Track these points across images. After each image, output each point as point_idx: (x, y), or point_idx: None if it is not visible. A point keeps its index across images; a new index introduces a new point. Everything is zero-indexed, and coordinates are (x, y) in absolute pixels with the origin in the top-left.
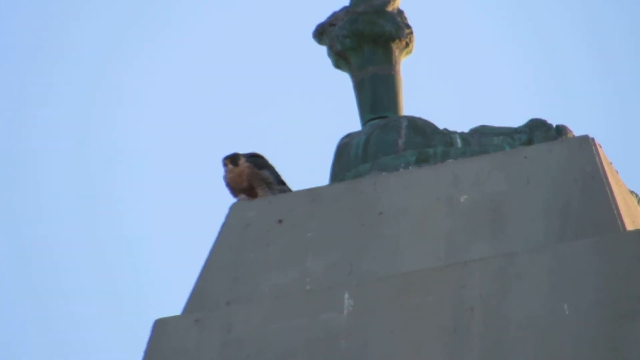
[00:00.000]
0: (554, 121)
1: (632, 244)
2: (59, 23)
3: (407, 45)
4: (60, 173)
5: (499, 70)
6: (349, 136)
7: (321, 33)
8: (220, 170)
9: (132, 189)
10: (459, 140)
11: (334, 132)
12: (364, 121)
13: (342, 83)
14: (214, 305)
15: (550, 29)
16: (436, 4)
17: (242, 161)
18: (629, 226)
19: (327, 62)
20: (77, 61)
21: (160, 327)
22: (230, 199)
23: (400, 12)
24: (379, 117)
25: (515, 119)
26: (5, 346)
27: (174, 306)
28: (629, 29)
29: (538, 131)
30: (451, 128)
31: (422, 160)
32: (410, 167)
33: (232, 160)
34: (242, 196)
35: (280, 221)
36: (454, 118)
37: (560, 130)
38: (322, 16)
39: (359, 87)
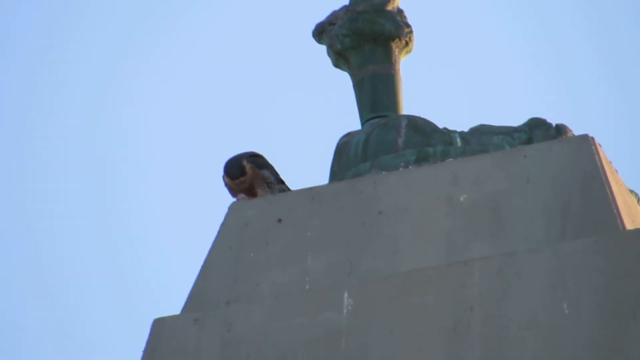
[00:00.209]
0: (553, 120)
1: (632, 243)
2: (66, 25)
3: (406, 44)
4: (66, 172)
5: (498, 70)
6: (348, 135)
7: (321, 32)
8: (219, 170)
9: (131, 189)
10: (458, 140)
11: (334, 131)
12: (364, 120)
13: (342, 82)
14: (214, 305)
15: (550, 28)
16: (436, 3)
17: (247, 168)
18: (629, 225)
19: (327, 61)
20: (86, 62)
21: (159, 326)
22: (230, 198)
23: (400, 11)
24: (379, 116)
25: (515, 118)
26: (11, 342)
27: (173, 305)
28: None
29: (538, 130)
30: (451, 127)
31: (422, 159)
32: (410, 166)
33: (241, 171)
34: (242, 195)
35: (279, 220)
36: (454, 117)
37: (560, 130)
38: (321, 15)
39: (359, 86)
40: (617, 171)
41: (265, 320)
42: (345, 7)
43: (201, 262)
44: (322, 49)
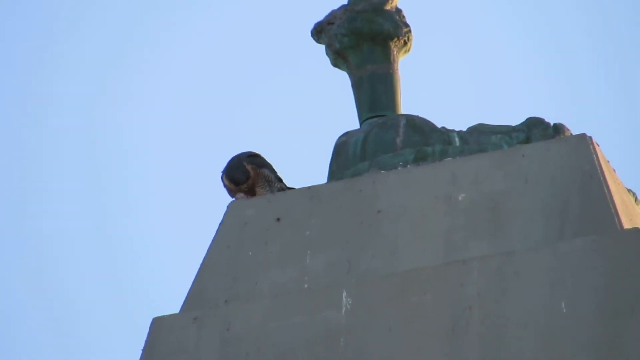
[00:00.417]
0: (551, 119)
1: (630, 243)
2: (63, 23)
3: (405, 43)
4: (63, 172)
5: (496, 69)
6: (347, 134)
7: (319, 31)
8: (218, 169)
9: (130, 188)
10: (457, 139)
11: (332, 130)
12: (362, 119)
13: (341, 81)
14: (213, 304)
15: (549, 27)
16: (434, 3)
17: (249, 170)
18: (627, 224)
19: (326, 60)
20: (82, 63)
21: (158, 325)
22: (228, 198)
23: (398, 11)
24: (377, 116)
25: (514, 118)
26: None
27: (173, 305)
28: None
29: (536, 129)
30: (449, 126)
31: (420, 158)
32: (408, 166)
33: (246, 176)
34: (240, 195)
35: (278, 219)
36: (452, 116)
37: (558, 129)
38: (320, 15)
39: (358, 86)
40: (614, 170)
41: (264, 319)
42: (344, 6)
43: (200, 261)
44: (321, 48)
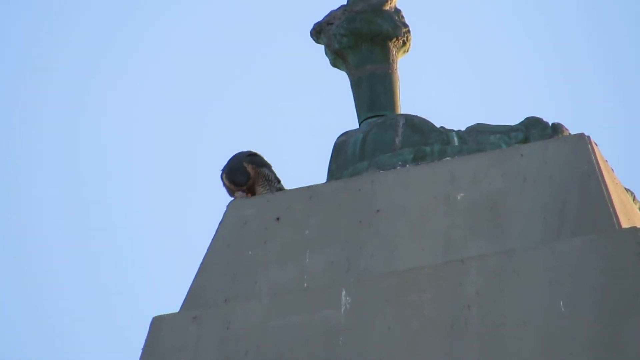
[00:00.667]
0: (550, 119)
1: (628, 242)
2: (48, 24)
3: (404, 44)
4: (53, 170)
5: (495, 69)
6: (346, 134)
7: (319, 32)
8: (217, 169)
9: (130, 187)
10: (455, 139)
11: (332, 130)
12: (361, 119)
13: (340, 81)
14: (212, 303)
15: (549, 27)
16: (433, 3)
17: (250, 170)
18: (625, 224)
19: (325, 60)
20: (68, 63)
21: (158, 324)
22: (228, 197)
23: (397, 11)
24: (377, 116)
25: (513, 117)
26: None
27: (172, 304)
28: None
29: (534, 129)
30: (448, 126)
31: (419, 158)
32: (407, 165)
33: (247, 177)
34: (240, 194)
35: (278, 219)
36: (451, 116)
37: (556, 129)
38: (319, 15)
39: (357, 86)
40: (613, 170)
41: (264, 318)
42: (343, 6)
43: (200, 261)
44: (320, 48)
